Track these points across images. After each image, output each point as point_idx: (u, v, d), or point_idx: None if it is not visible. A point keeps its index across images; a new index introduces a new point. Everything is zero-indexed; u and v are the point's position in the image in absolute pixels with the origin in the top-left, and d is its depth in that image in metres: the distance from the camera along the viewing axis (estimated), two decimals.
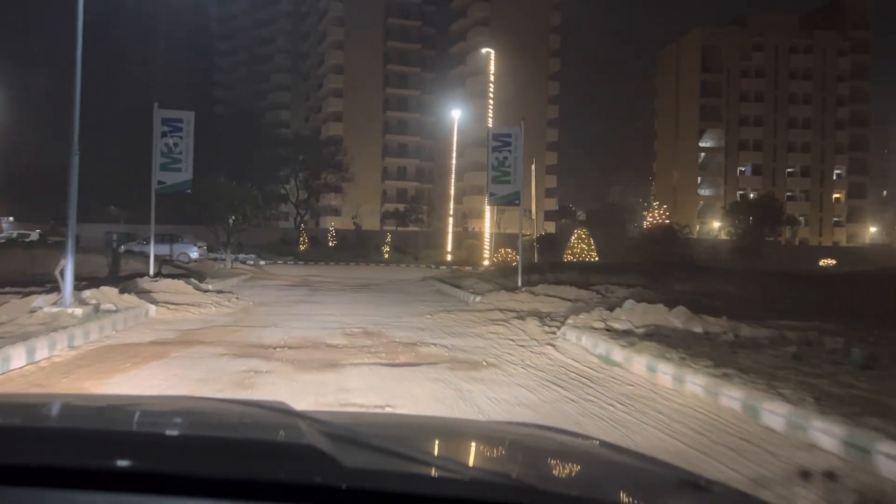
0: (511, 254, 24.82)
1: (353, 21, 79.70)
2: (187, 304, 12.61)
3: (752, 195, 75.83)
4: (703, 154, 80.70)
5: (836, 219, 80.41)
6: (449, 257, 40.20)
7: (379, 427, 1.92)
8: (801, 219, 76.24)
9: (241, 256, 31.00)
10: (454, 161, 38.98)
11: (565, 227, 76.36)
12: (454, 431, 2.10)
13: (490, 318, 12.07)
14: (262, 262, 33.65)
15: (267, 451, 1.30)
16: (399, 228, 61.04)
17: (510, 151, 17.75)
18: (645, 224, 59.76)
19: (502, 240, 52.51)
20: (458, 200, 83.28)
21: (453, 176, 39.42)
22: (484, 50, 25.68)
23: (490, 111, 26.99)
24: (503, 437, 1.94)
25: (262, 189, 68.22)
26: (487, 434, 2.01)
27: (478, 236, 42.11)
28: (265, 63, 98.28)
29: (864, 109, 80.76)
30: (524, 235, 32.79)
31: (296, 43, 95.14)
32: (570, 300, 13.37)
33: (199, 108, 18.82)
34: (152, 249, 16.91)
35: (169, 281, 14.97)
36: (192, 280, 16.29)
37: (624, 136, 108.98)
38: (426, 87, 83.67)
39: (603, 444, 1.99)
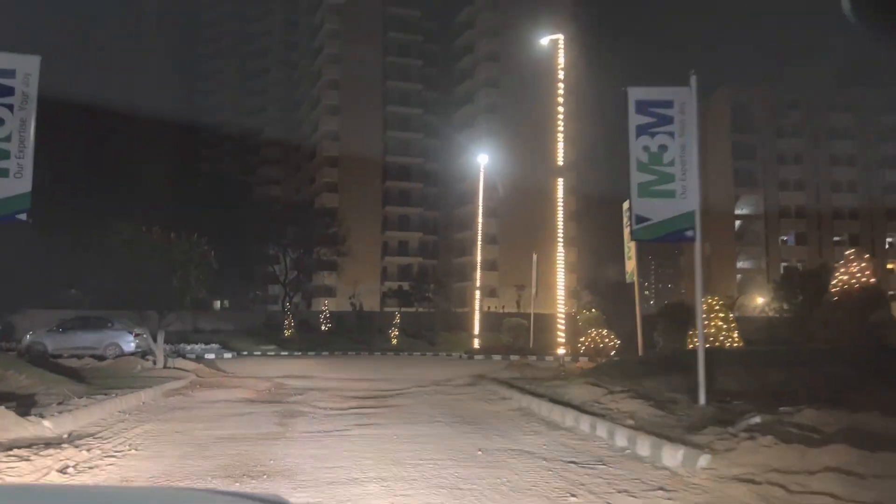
0: (607, 337, 15.76)
1: (349, 84, 72.87)
2: None
3: (798, 266, 67.69)
4: (738, 222, 72.76)
5: (891, 292, 71.66)
6: (476, 343, 31.14)
7: None
8: None
9: (188, 348, 22.03)
10: (480, 218, 30.43)
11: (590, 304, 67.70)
12: None
13: None
14: (226, 355, 24.50)
15: None
16: (403, 309, 51.87)
17: (672, 134, 9.07)
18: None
19: (524, 319, 43.51)
20: (467, 277, 75.06)
21: (479, 238, 30.81)
22: (549, 39, 17.39)
23: (560, 99, 18.18)
24: None
25: (243, 265, 60.04)
26: None
27: (524, 315, 33.21)
28: (255, 136, 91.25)
29: None
30: (584, 312, 23.94)
31: (287, 112, 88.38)
32: None
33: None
34: None
35: None
36: (11, 413, 7.30)
37: None
38: (429, 155, 76.30)
39: None
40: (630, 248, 16.84)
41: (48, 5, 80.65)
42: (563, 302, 16.68)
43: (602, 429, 7.91)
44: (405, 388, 13.66)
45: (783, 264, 70.87)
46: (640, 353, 15.60)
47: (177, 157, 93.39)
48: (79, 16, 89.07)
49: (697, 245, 9.31)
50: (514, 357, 22.47)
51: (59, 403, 8.72)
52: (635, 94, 9.26)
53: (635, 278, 16.43)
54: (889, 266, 72.80)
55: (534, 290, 32.15)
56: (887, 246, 72.58)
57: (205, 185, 76.78)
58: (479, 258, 31.20)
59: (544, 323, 35.55)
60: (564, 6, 67.01)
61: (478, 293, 31.75)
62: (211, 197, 63.95)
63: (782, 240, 72.44)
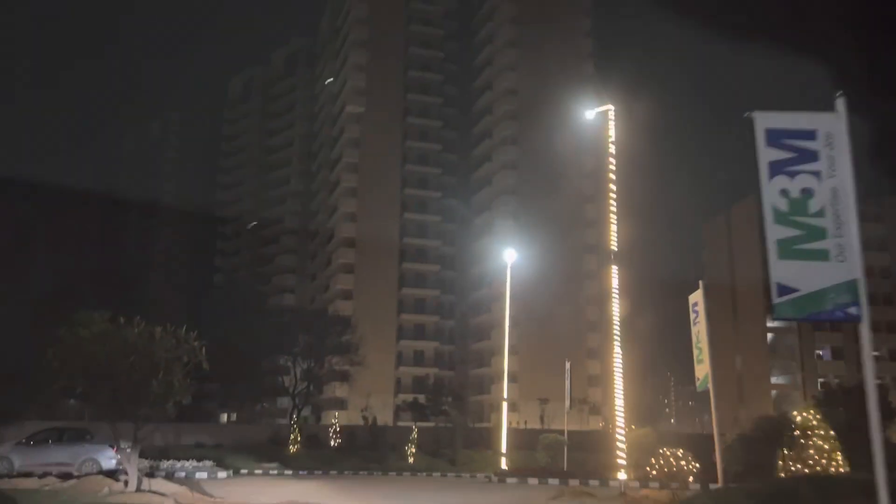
0: (683, 459, 12.70)
1: (365, 192, 72.09)
2: None
3: (836, 382, 63.71)
4: (770, 335, 69.30)
5: None
6: (504, 462, 27.69)
7: None
8: None
9: (178, 465, 18.99)
10: (507, 317, 27.69)
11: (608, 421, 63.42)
12: None
13: None
14: (221, 475, 21.30)
15: None
16: (419, 424, 48.09)
17: (818, 175, 6.60)
18: None
19: (537, 437, 39.86)
20: (485, 389, 71.24)
21: (507, 342, 27.92)
22: (596, 111, 15.34)
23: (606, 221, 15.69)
24: None
25: (253, 377, 56.94)
26: None
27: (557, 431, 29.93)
28: (270, 244, 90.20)
29: None
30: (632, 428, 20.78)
31: (304, 222, 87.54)
32: None
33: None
34: None
35: None
36: None
37: (667, 325, 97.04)
38: (446, 262, 74.43)
39: None
40: (702, 349, 14.10)
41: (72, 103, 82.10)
42: (621, 414, 13.77)
43: None
44: None
45: (820, 380, 67.01)
46: (720, 479, 12.57)
47: (193, 255, 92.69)
48: (105, 115, 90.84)
49: (865, 328, 6.64)
50: (567, 483, 19.22)
51: None
52: (765, 120, 6.85)
53: (710, 385, 13.58)
54: None
55: (567, 403, 29.06)
56: None
57: (217, 293, 74.91)
58: (506, 364, 28.17)
59: (578, 441, 32.11)
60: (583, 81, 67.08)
61: (504, 405, 28.57)
62: (223, 304, 61.84)
63: (818, 353, 68.68)
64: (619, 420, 13.83)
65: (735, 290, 71.37)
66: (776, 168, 6.76)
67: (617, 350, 14.14)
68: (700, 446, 18.08)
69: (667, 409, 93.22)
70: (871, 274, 68.19)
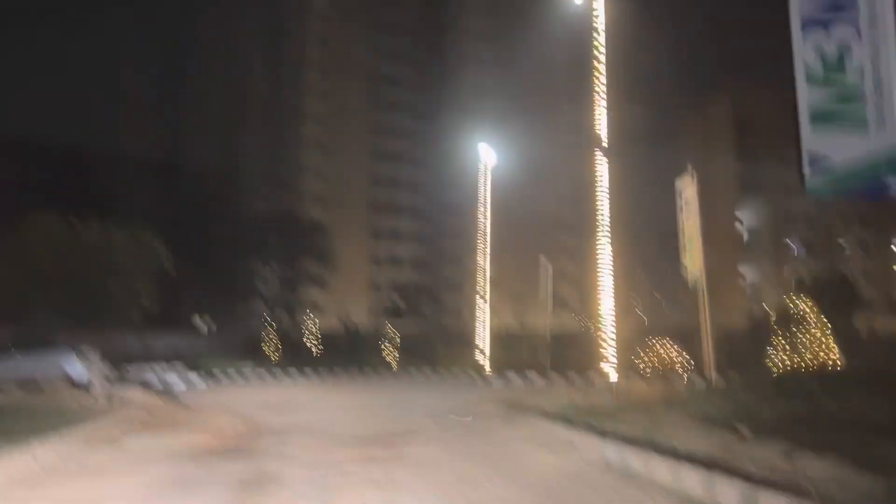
0: (676, 353, 12.23)
1: (333, 89, 69.64)
2: None
3: (808, 276, 64.69)
4: (743, 231, 69.77)
5: None
6: (485, 361, 27.66)
7: None
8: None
9: (151, 374, 18.38)
10: (487, 211, 26.96)
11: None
12: None
13: None
14: (197, 381, 20.77)
15: None
16: (396, 326, 48.13)
17: (858, 31, 5.75)
18: None
19: (514, 335, 40.02)
20: (461, 290, 71.46)
21: (489, 237, 27.25)
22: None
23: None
24: None
25: (225, 281, 56.25)
26: None
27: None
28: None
29: None
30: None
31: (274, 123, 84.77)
32: None
33: None
34: None
35: None
36: None
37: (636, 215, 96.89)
38: (419, 164, 73.05)
39: None
40: (692, 239, 13.49)
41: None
42: (610, 309, 13.20)
43: None
44: (419, 425, 10.18)
45: (793, 275, 68.09)
46: (712, 373, 12.21)
47: (160, 161, 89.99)
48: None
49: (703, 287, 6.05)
50: (551, 379, 19.07)
51: None
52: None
53: (703, 278, 13.05)
54: None
55: (547, 302, 28.77)
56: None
57: (184, 194, 73.07)
58: (487, 259, 27.58)
59: (559, 338, 32.12)
60: None
61: (486, 304, 28.16)
62: (192, 211, 60.30)
63: (790, 248, 69.49)
64: (608, 315, 13.32)
65: (707, 184, 71.12)
66: (810, 22, 5.88)
67: (604, 241, 13.47)
68: (682, 341, 17.82)
69: (633, 303, 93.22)
70: None
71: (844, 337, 16.36)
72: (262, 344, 35.84)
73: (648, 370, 12.19)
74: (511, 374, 21.92)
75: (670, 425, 7.54)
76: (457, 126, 70.11)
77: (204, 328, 73.79)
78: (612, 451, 6.95)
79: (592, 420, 8.62)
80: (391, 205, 70.96)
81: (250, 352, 36.78)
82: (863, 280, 62.31)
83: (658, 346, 12.11)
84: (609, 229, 13.67)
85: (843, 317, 38.90)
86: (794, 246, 69.07)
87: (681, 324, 22.33)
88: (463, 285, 69.34)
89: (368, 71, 70.67)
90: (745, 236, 69.01)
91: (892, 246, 70.53)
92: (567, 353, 25.62)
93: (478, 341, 30.03)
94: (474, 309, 61.15)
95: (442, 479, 6.18)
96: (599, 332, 13.50)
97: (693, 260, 13.34)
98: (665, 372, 11.81)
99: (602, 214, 13.60)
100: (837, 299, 45.51)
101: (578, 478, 6.31)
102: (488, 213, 26.89)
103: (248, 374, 26.79)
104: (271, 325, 40.01)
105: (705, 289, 13.21)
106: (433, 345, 32.65)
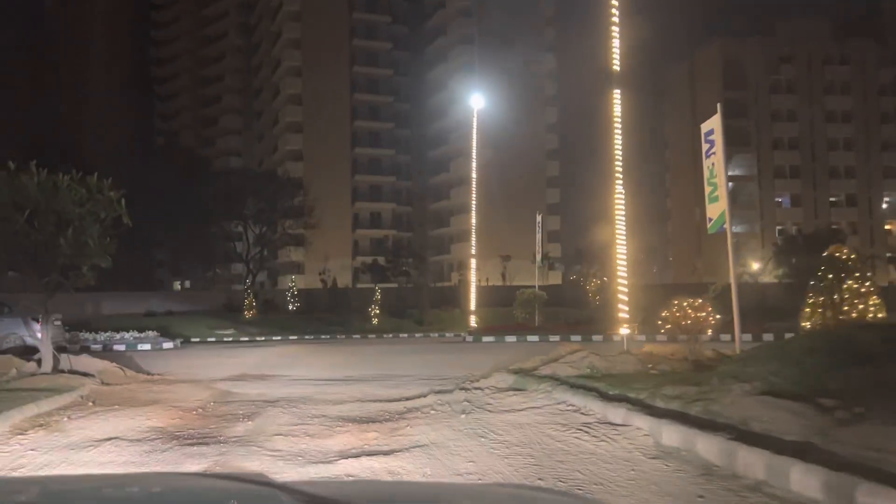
0: (703, 310, 10.86)
1: (311, 43, 66.96)
2: None
3: (794, 230, 63.95)
4: (730, 184, 68.58)
5: (889, 254, 68.38)
6: (473, 321, 26.35)
7: (363, 496, 1.77)
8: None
9: (117, 337, 16.82)
10: (474, 169, 25.40)
11: (579, 275, 63.11)
12: (438, 498, 1.88)
13: None
14: (166, 345, 19.24)
15: None
16: (380, 285, 46.64)
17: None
18: None
19: (506, 293, 38.84)
20: (445, 249, 70.05)
21: (474, 188, 25.73)
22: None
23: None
24: (493, 501, 1.84)
25: (203, 243, 54.34)
26: (472, 498, 1.89)
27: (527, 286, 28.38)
28: (212, 104, 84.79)
29: None
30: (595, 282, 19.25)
31: (247, 80, 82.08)
32: None
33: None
34: None
35: None
36: None
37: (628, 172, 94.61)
38: (401, 120, 70.87)
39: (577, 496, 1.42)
40: (717, 184, 12.06)
41: None
42: (623, 265, 11.79)
43: None
44: (419, 399, 8.79)
45: (778, 227, 67.34)
46: (738, 333, 10.92)
47: (132, 119, 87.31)
48: None
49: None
50: (547, 339, 17.81)
51: None
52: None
53: (728, 226, 11.66)
54: (887, 227, 69.62)
55: (538, 258, 27.49)
56: (885, 206, 69.23)
57: (158, 158, 70.55)
58: (473, 219, 26.12)
59: (550, 295, 30.91)
60: None
61: (473, 261, 26.82)
62: (166, 171, 58.21)
63: (777, 201, 68.63)
64: (621, 271, 11.94)
65: (696, 138, 69.88)
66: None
67: (620, 190, 12.04)
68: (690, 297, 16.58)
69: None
70: (833, 119, 67.30)
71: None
72: (242, 305, 34.35)
73: (670, 329, 10.84)
74: (508, 336, 20.58)
75: (731, 400, 6.15)
76: (441, 81, 68.03)
77: (179, 289, 72.14)
78: (675, 436, 5.55)
79: (629, 392, 7.24)
80: (373, 163, 69.08)
81: (229, 313, 35.32)
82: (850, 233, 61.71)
83: (686, 304, 10.72)
84: (622, 177, 12.21)
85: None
86: (781, 199, 68.24)
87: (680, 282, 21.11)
88: (448, 245, 68.01)
89: (347, 22, 67.99)
90: (731, 189, 67.86)
91: (885, 199, 69.93)
92: (561, 311, 24.42)
93: (465, 299, 28.74)
94: (460, 268, 59.96)
95: (453, 474, 4.76)
96: (615, 286, 12.14)
97: (718, 205, 11.92)
98: (692, 332, 10.45)
99: (618, 155, 12.11)
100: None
101: (633, 467, 4.92)
102: (474, 154, 25.21)
103: (225, 337, 25.31)
104: (250, 286, 38.52)
105: (730, 237, 11.86)
106: (420, 304, 31.28)
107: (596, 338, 19.69)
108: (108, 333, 19.45)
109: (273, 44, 71.31)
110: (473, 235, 26.73)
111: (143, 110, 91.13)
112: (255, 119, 79.00)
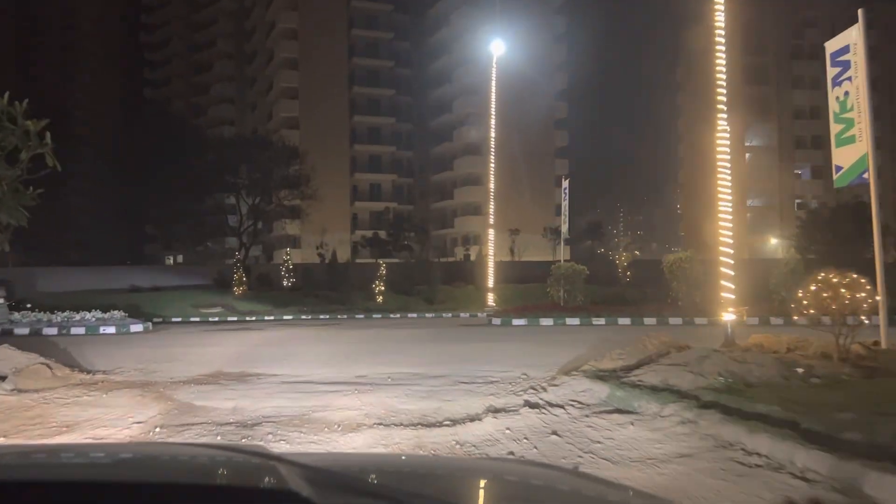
0: (857, 288, 7.82)
1: (307, 4, 63.21)
2: None
3: (812, 204, 60.84)
4: (748, 155, 65.47)
5: None
6: (492, 299, 23.33)
7: (361, 469, 1.76)
8: None
9: (77, 318, 13.81)
10: (493, 132, 22.21)
11: (591, 250, 60.18)
12: (436, 471, 1.91)
13: None
14: (134, 328, 16.14)
15: (246, 498, 1.23)
16: (381, 260, 43.37)
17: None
18: None
19: (517, 269, 35.85)
20: (448, 223, 66.87)
21: (492, 157, 22.58)
22: None
23: None
24: (489, 474, 1.84)
25: (194, 216, 51.13)
26: (472, 472, 1.92)
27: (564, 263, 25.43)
28: (205, 73, 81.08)
29: None
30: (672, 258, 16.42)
31: (240, 45, 78.38)
32: None
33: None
34: None
35: None
36: None
37: (639, 141, 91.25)
38: (401, 86, 67.26)
39: (583, 474, 1.95)
40: (853, 118, 8.94)
41: None
42: (729, 233, 8.80)
43: None
44: (471, 423, 5.80)
45: (797, 201, 64.29)
46: (882, 318, 7.95)
47: (121, 85, 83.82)
48: None
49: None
50: (598, 321, 14.74)
51: None
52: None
53: (871, 174, 8.56)
54: None
55: (564, 228, 24.39)
56: None
57: (148, 126, 67.08)
58: (491, 185, 22.93)
59: (518, 273, 27.87)
60: None
61: (491, 232, 23.67)
62: (157, 142, 54.90)
63: (797, 173, 65.50)
64: (725, 247, 8.90)
65: (711, 107, 66.52)
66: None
67: (724, 133, 8.91)
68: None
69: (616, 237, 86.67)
70: None
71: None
72: (233, 280, 31.33)
73: (812, 314, 7.78)
74: (543, 319, 17.39)
75: None
76: (442, 45, 64.50)
77: (172, 264, 69.06)
78: None
79: (815, 424, 4.21)
80: (372, 131, 65.64)
81: (219, 289, 32.38)
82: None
83: (844, 279, 7.65)
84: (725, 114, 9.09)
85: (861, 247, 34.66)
86: (800, 172, 65.06)
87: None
88: (451, 219, 64.83)
89: None
90: (748, 160, 64.55)
91: None
92: (588, 289, 21.39)
93: (480, 276, 25.75)
94: (465, 242, 56.65)
95: None
96: (721, 261, 9.11)
97: (852, 148, 8.80)
98: (844, 312, 7.43)
99: (722, 81, 8.97)
100: (856, 228, 41.44)
101: None
102: (493, 108, 21.99)
103: (210, 316, 22.32)
104: (240, 260, 35.38)
105: (875, 189, 8.75)
106: (430, 280, 28.19)
107: (674, 321, 16.72)
108: (66, 313, 16.39)
109: (267, 6, 67.56)
110: (492, 203, 23.72)
111: (134, 79, 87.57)
112: (248, 87, 75.46)
